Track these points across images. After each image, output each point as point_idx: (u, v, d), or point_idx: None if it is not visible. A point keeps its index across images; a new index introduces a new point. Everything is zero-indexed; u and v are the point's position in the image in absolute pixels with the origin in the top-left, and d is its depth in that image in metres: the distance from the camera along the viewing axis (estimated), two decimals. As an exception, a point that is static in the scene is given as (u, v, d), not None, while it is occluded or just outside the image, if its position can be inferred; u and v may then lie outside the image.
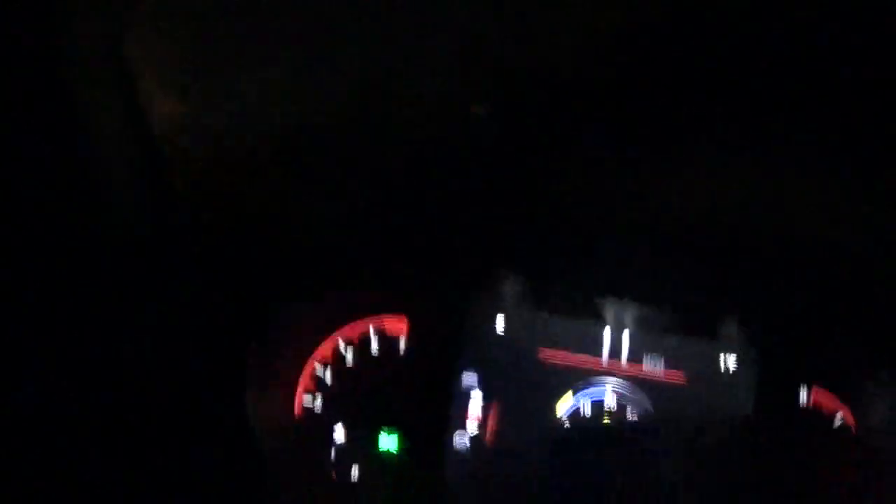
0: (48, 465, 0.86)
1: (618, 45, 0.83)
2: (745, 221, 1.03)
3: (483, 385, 1.14)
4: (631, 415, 1.14)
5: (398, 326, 1.20)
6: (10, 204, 0.81)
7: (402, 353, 1.19)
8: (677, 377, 1.13)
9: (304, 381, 1.20)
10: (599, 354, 1.15)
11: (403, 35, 0.86)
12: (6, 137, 0.79)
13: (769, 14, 0.78)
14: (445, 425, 1.13)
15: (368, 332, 1.20)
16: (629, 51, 0.83)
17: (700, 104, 0.89)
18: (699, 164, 0.98)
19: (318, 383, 1.20)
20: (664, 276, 1.10)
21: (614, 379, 1.15)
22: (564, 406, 1.14)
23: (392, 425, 1.17)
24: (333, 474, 1.17)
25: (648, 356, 1.14)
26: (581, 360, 1.15)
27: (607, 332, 1.15)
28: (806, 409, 1.14)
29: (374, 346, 1.20)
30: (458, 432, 1.14)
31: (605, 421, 1.14)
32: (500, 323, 1.15)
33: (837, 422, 1.14)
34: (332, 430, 1.18)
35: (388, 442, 1.17)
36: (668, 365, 1.14)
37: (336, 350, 1.20)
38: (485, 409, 1.14)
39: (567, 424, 1.14)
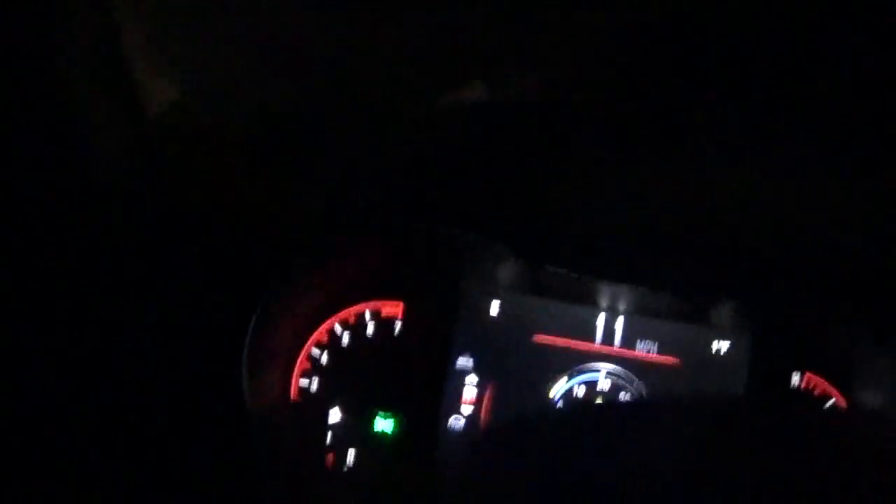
0: (48, 465, 0.86)
1: (617, 45, 0.83)
2: (740, 212, 1.03)
3: (478, 368, 1.15)
4: (624, 397, 1.14)
5: (394, 310, 1.20)
6: (8, 204, 0.81)
7: (397, 336, 1.20)
8: (671, 361, 1.14)
9: (300, 363, 1.20)
10: (594, 339, 1.16)
11: (398, 27, 0.86)
12: (5, 136, 0.79)
13: (770, 13, 0.78)
14: (440, 408, 1.14)
15: (365, 315, 1.21)
16: (628, 50, 0.83)
17: (698, 103, 0.89)
18: (697, 161, 0.98)
19: (315, 365, 1.20)
20: (659, 261, 1.11)
21: (608, 363, 1.15)
22: (558, 389, 1.15)
23: (387, 408, 1.18)
24: (329, 457, 1.17)
25: (642, 341, 1.15)
26: (575, 344, 1.15)
27: (602, 317, 1.16)
28: (798, 393, 1.14)
29: (371, 329, 1.21)
30: (453, 415, 1.14)
31: (598, 401, 1.14)
32: (494, 307, 1.15)
33: (829, 406, 1.15)
34: (327, 413, 1.18)
35: (383, 424, 1.18)
36: (661, 350, 1.14)
37: (332, 333, 1.21)
38: (479, 393, 1.15)
39: (560, 404, 1.14)
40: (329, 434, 1.18)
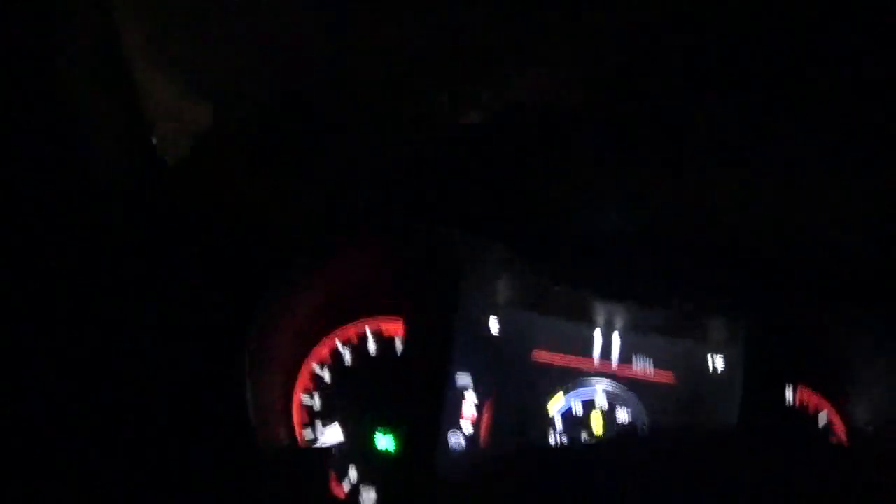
0: (48, 465, 0.86)
1: (617, 45, 0.83)
2: (738, 212, 1.03)
3: (477, 385, 1.15)
4: (621, 415, 1.15)
5: (394, 327, 1.21)
6: (8, 204, 0.81)
7: (397, 353, 1.20)
8: (667, 377, 1.15)
9: (301, 380, 1.20)
10: (590, 355, 1.17)
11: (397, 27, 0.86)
12: (5, 136, 0.79)
13: (770, 13, 0.78)
14: (440, 425, 1.14)
15: (365, 332, 1.21)
16: (628, 50, 0.83)
17: (698, 104, 0.89)
18: (696, 161, 0.98)
19: (316, 383, 1.21)
20: (654, 278, 1.12)
21: (605, 379, 1.16)
22: (556, 406, 1.16)
23: (388, 425, 1.18)
24: (331, 474, 1.17)
25: (638, 357, 1.16)
26: (572, 360, 1.16)
27: (598, 334, 1.17)
28: (791, 408, 1.16)
29: (371, 346, 1.21)
30: (452, 432, 1.15)
31: (597, 419, 1.15)
32: (493, 324, 1.16)
33: (822, 420, 1.17)
34: (330, 429, 1.19)
35: (383, 441, 1.18)
36: (657, 365, 1.16)
37: (333, 350, 1.21)
38: (479, 409, 1.15)
39: (559, 424, 1.15)
40: (331, 451, 1.18)
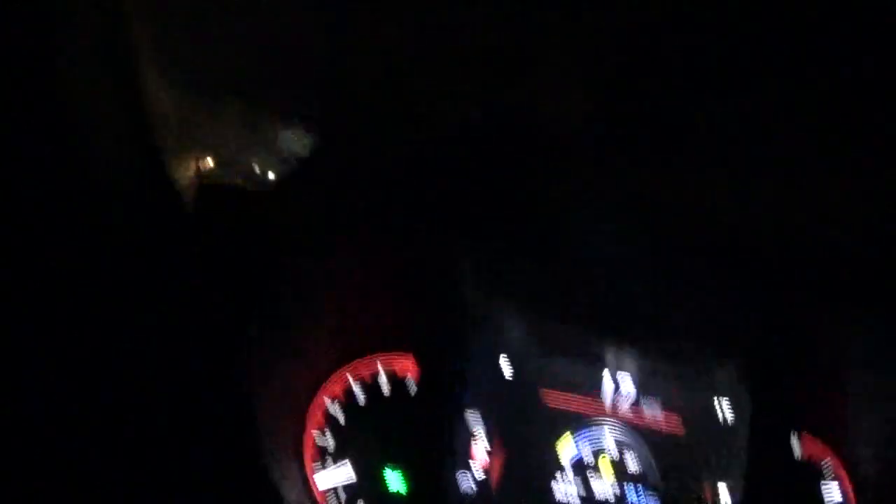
0: (48, 465, 0.86)
1: (618, 47, 0.83)
2: (733, 226, 1.04)
3: (486, 425, 1.17)
4: (630, 460, 1.16)
5: (405, 365, 1.22)
6: (9, 204, 0.81)
7: (408, 391, 1.21)
8: (674, 422, 1.16)
9: (314, 417, 1.22)
10: (599, 397, 1.17)
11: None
12: (5, 136, 0.79)
13: (770, 14, 0.78)
14: (449, 464, 1.15)
15: (377, 370, 1.23)
16: (629, 52, 0.83)
17: (698, 106, 0.89)
18: (693, 169, 0.98)
19: (328, 420, 1.22)
20: (662, 322, 1.13)
21: (613, 423, 1.17)
22: (564, 447, 1.17)
23: (397, 464, 1.19)
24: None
25: (646, 400, 1.17)
26: (581, 402, 1.17)
27: (607, 376, 1.17)
28: (796, 456, 1.16)
29: (383, 383, 1.22)
30: (461, 472, 1.16)
31: (606, 466, 1.16)
32: (503, 364, 1.17)
33: (826, 469, 1.17)
34: (341, 467, 1.20)
35: (393, 480, 1.19)
36: (665, 408, 1.16)
37: (346, 387, 1.22)
38: (487, 448, 1.16)
39: (568, 468, 1.16)
40: (341, 488, 1.20)
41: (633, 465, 1.16)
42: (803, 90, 0.86)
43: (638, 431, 1.16)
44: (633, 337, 1.14)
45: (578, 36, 0.82)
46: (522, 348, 1.17)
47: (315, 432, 1.21)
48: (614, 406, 1.17)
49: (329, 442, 1.21)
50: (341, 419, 1.22)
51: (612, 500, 1.16)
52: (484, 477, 1.16)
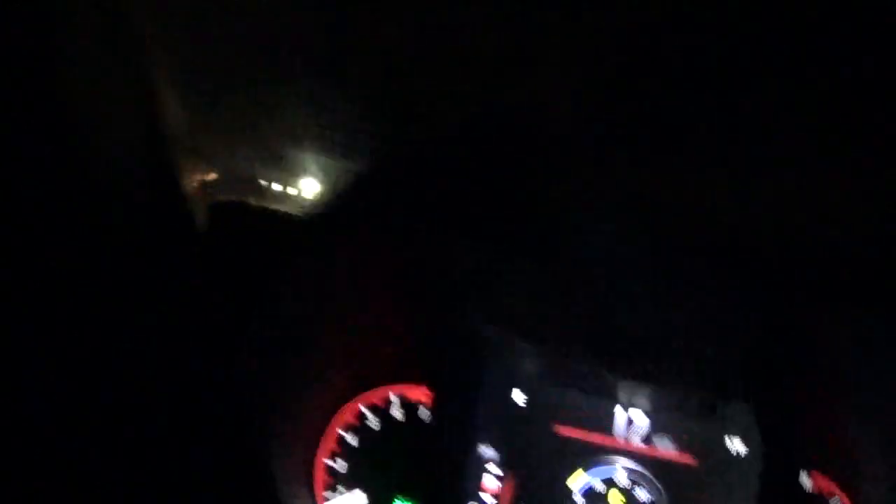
0: (48, 465, 0.86)
1: (618, 47, 0.83)
2: (733, 226, 1.04)
3: (499, 457, 1.17)
4: (641, 494, 1.17)
5: (419, 395, 1.24)
6: (8, 203, 0.81)
7: (421, 421, 1.23)
8: (686, 458, 1.17)
9: (326, 443, 1.23)
10: (611, 432, 1.18)
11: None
12: (7, 135, 0.79)
13: (770, 13, 0.78)
14: (461, 495, 1.15)
15: (390, 399, 1.24)
16: (629, 52, 0.83)
17: (698, 106, 0.89)
18: (693, 169, 0.98)
19: (341, 446, 1.23)
20: (673, 355, 1.13)
21: (625, 456, 1.18)
22: (577, 482, 1.18)
23: (408, 493, 1.20)
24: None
25: (659, 435, 1.18)
26: (594, 436, 1.18)
27: (620, 411, 1.19)
28: (806, 494, 1.17)
29: (396, 413, 1.24)
30: (471, 503, 1.16)
31: (616, 498, 1.17)
32: (517, 396, 1.18)
33: None
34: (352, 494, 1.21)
35: None
36: (677, 444, 1.18)
37: (359, 414, 1.24)
38: (499, 481, 1.17)
39: (580, 500, 1.17)
40: None
41: (643, 497, 1.17)
42: (803, 90, 0.86)
43: (649, 465, 1.17)
44: (646, 371, 1.14)
45: (578, 36, 0.82)
46: (535, 381, 1.18)
47: (326, 459, 1.22)
48: (626, 440, 1.18)
49: (340, 469, 1.22)
50: (354, 446, 1.23)
51: None
52: (495, 508, 1.16)
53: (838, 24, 0.77)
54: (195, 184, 1.00)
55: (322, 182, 1.08)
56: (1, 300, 0.81)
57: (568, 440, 1.17)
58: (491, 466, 1.16)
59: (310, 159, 1.05)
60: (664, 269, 1.06)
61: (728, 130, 0.91)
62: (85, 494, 0.88)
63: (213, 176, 1.04)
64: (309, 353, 1.15)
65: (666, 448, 1.17)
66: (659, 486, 1.16)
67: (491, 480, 1.16)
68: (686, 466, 1.16)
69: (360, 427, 1.24)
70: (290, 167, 1.08)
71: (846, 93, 0.84)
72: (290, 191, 1.10)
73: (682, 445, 1.17)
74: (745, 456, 1.15)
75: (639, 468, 1.17)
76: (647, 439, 1.18)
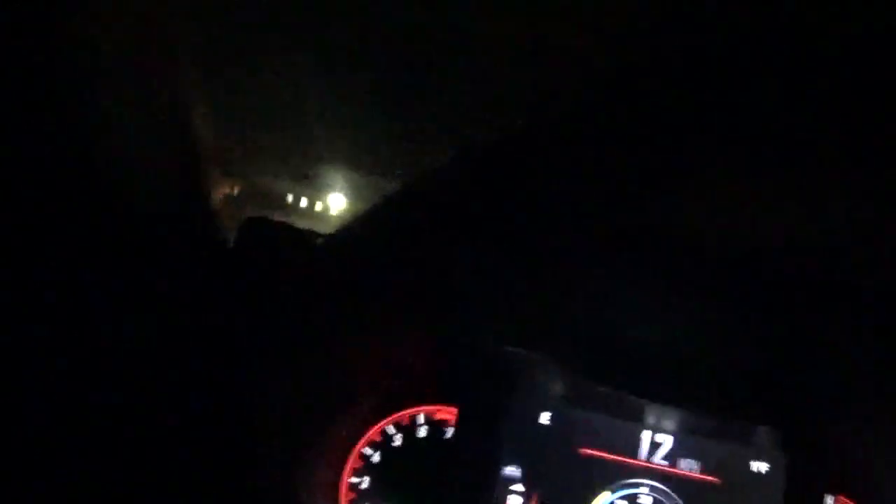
0: (48, 465, 0.86)
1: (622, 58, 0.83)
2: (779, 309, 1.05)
3: (524, 478, 1.17)
4: None
5: (447, 416, 1.24)
6: (9, 203, 0.81)
7: (448, 441, 1.23)
8: (710, 478, 1.17)
9: (352, 461, 1.24)
10: (637, 455, 1.19)
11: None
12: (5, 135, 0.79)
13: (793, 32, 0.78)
14: None
15: (417, 421, 1.25)
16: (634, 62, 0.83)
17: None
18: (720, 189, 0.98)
19: (366, 463, 1.24)
20: (700, 381, 1.14)
21: (649, 479, 1.18)
22: (600, 502, 1.18)
23: None
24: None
25: (684, 459, 1.18)
26: (619, 458, 1.18)
27: (646, 434, 1.19)
28: None
29: (422, 431, 1.24)
30: None
31: None
32: (544, 418, 1.18)
33: None
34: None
35: None
36: (703, 469, 1.17)
37: (384, 433, 1.24)
38: (522, 500, 1.17)
39: None
40: None
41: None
42: (819, 116, 0.85)
43: (673, 485, 1.17)
44: (672, 394, 1.15)
45: (582, 39, 0.82)
46: (561, 402, 1.19)
47: (353, 479, 1.23)
48: (652, 465, 1.18)
49: (364, 486, 1.23)
50: (378, 463, 1.23)
51: None
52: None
53: (865, 51, 0.76)
54: (220, 198, 1.01)
55: (348, 198, 1.09)
56: (1, 300, 0.81)
57: (592, 461, 1.17)
58: (514, 486, 1.16)
59: (336, 175, 1.06)
60: (690, 292, 1.05)
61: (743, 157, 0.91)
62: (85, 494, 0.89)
63: (238, 190, 1.06)
64: (335, 377, 1.16)
65: (690, 468, 1.17)
66: None
67: (514, 500, 1.16)
68: (710, 486, 1.16)
69: (384, 445, 1.24)
70: (316, 183, 1.09)
71: (865, 117, 0.83)
72: (316, 207, 1.12)
73: (707, 466, 1.17)
74: (770, 477, 1.15)
75: (663, 490, 1.17)
76: (671, 460, 1.18)
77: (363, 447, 1.24)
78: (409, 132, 1.01)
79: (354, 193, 1.10)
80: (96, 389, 0.87)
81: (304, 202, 1.13)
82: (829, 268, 1.03)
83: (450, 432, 1.22)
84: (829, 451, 1.15)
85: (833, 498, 1.17)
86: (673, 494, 1.16)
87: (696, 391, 1.14)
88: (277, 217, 1.12)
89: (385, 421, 1.24)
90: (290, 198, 1.12)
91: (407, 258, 1.12)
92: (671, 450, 1.18)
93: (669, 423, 1.18)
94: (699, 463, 1.17)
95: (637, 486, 1.17)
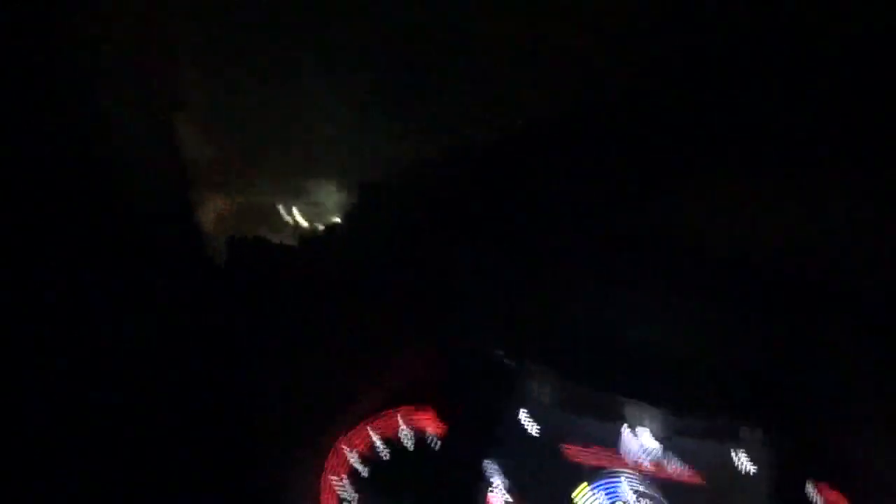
0: (48, 465, 0.86)
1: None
2: (758, 303, 1.05)
3: (506, 478, 1.17)
4: None
5: (426, 417, 1.22)
6: (9, 203, 0.81)
7: (428, 443, 1.21)
8: (693, 474, 1.16)
9: (332, 464, 1.22)
10: (619, 453, 1.18)
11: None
12: (22, 134, 0.79)
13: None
14: None
15: (398, 422, 1.23)
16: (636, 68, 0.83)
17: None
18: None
19: (347, 468, 1.22)
20: (680, 377, 1.13)
21: (632, 475, 1.17)
22: (582, 498, 1.17)
23: None
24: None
25: (666, 455, 1.17)
26: (601, 455, 1.18)
27: (627, 431, 1.18)
28: None
29: (402, 433, 1.22)
30: None
31: None
32: (524, 418, 1.18)
33: None
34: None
35: None
36: (684, 463, 1.17)
37: (366, 438, 1.23)
38: (505, 500, 1.16)
39: None
40: None
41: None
42: (819, 116, 0.85)
43: (657, 483, 1.16)
44: (653, 393, 1.14)
45: (582, 39, 0.82)
46: (544, 403, 1.18)
47: (333, 479, 1.22)
48: (634, 460, 1.17)
49: (346, 488, 1.22)
50: (360, 469, 1.22)
51: None
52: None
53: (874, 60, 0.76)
54: (220, 198, 1.01)
55: (338, 207, 1.09)
56: (2, 300, 0.81)
57: (576, 462, 1.16)
58: (498, 487, 1.16)
59: (327, 184, 1.06)
60: (674, 293, 1.05)
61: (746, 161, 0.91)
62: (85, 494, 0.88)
63: (237, 191, 1.06)
64: (318, 376, 1.15)
65: (674, 467, 1.16)
66: (667, 502, 1.16)
67: (497, 500, 1.16)
68: (694, 483, 1.15)
69: (366, 450, 1.24)
70: (307, 193, 1.09)
71: (869, 122, 0.83)
72: (308, 216, 1.12)
73: (691, 464, 1.16)
74: (754, 472, 1.14)
75: (646, 486, 1.16)
76: (655, 459, 1.17)
77: (344, 448, 1.23)
78: (409, 132, 1.00)
79: (354, 193, 1.10)
80: (96, 389, 0.87)
81: (304, 202, 1.13)
82: (829, 268, 1.03)
83: (433, 435, 1.20)
84: (811, 439, 1.14)
85: (818, 487, 1.13)
86: (655, 486, 1.15)
87: (679, 390, 1.13)
88: (277, 216, 1.12)
89: (366, 422, 1.22)
90: (290, 197, 1.12)
91: (406, 258, 1.12)
92: (653, 449, 1.16)
93: (649, 423, 1.17)
94: (682, 459, 1.16)
95: (618, 479, 1.16)
